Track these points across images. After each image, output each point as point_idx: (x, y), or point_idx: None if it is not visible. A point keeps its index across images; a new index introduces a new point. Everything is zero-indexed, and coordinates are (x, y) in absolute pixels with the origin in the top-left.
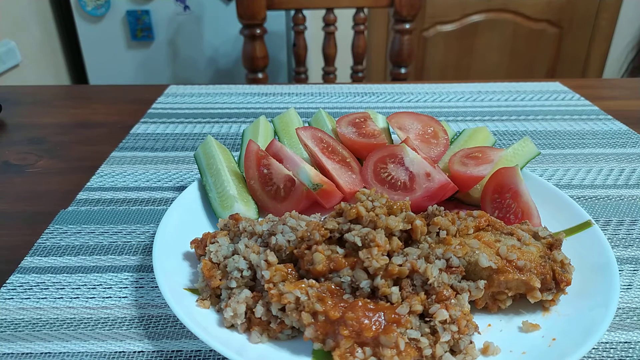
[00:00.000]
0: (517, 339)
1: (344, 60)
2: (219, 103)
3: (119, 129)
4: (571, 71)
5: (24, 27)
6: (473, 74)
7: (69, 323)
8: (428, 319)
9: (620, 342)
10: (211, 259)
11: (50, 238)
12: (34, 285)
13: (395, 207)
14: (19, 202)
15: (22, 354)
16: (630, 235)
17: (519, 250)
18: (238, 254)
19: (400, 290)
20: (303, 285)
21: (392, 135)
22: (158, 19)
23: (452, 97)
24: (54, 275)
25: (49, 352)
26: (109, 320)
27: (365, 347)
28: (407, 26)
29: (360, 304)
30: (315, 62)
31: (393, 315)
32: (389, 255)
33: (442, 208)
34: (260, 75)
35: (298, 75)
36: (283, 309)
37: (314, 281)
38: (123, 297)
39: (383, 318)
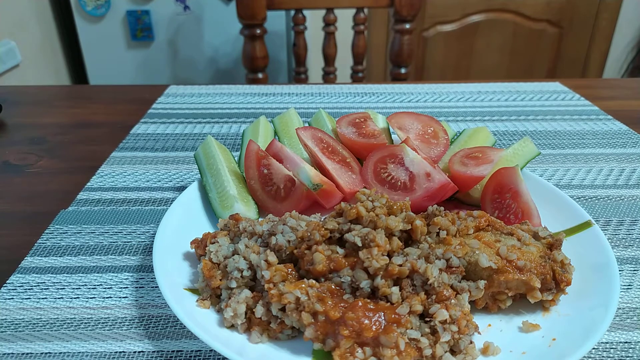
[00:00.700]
0: (517, 339)
1: (344, 60)
2: (219, 103)
3: (119, 129)
4: (571, 71)
5: (24, 27)
6: (473, 74)
7: (69, 323)
8: (428, 319)
9: (620, 342)
10: (211, 259)
11: (51, 238)
12: (34, 286)
13: (395, 207)
14: (19, 202)
15: (22, 354)
16: (630, 235)
17: (519, 250)
18: (238, 254)
19: (400, 290)
20: (303, 286)
21: (392, 136)
22: (158, 19)
23: (452, 97)
24: (54, 275)
25: (49, 352)
26: (109, 320)
27: (365, 347)
28: (407, 26)
29: (360, 304)
30: (315, 62)
31: (393, 315)
32: (389, 255)
33: (442, 208)
34: (260, 75)
35: (298, 75)
36: (283, 309)
37: (314, 281)
38: (123, 297)
39: (383, 318)
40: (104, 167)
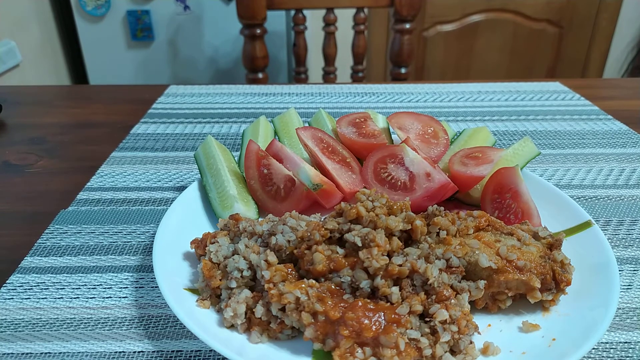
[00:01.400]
0: (517, 339)
1: (344, 60)
2: (219, 103)
3: (119, 129)
4: (571, 71)
5: (24, 27)
6: (473, 74)
7: (69, 323)
8: (428, 319)
9: (620, 342)
10: (211, 259)
11: (51, 238)
12: (34, 285)
13: (395, 207)
14: (19, 202)
15: (22, 354)
16: (630, 235)
17: (519, 251)
18: (238, 254)
19: (400, 290)
20: (303, 285)
21: (392, 135)
22: (158, 19)
23: (452, 97)
24: (54, 275)
25: (49, 352)
26: (109, 320)
27: (365, 347)
28: (407, 26)
29: (360, 304)
30: (315, 62)
31: (393, 315)
32: (389, 255)
33: (442, 208)
34: (260, 75)
35: (298, 75)
36: (283, 309)
37: (314, 281)
38: (123, 297)
39: (383, 318)
40: (104, 167)
